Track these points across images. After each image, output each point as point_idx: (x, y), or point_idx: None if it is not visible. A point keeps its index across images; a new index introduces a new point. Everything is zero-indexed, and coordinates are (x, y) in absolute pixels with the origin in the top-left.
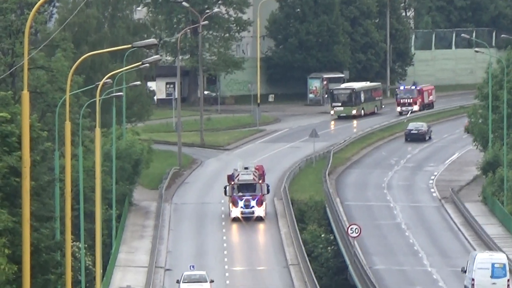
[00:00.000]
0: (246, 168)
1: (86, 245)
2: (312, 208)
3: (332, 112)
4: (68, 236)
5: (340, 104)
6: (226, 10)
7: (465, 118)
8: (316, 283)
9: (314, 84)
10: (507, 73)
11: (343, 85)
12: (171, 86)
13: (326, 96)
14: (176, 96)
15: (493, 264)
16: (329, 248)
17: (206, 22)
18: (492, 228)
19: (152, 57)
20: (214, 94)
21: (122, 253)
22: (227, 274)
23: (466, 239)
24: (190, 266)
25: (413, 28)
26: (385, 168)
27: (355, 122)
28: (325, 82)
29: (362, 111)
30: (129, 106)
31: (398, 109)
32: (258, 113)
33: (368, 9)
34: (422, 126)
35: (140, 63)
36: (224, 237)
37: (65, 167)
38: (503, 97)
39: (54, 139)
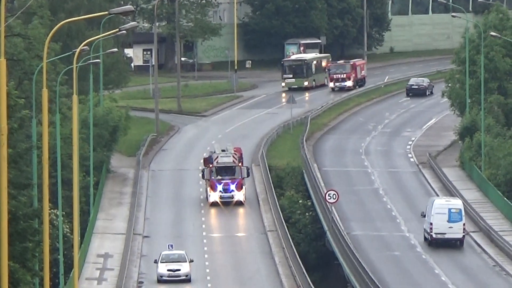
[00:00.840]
0: (223, 151)
1: (64, 213)
2: (290, 174)
3: (283, 84)
4: (46, 203)
5: (291, 75)
6: None
7: (442, 84)
8: (294, 249)
9: (291, 50)
10: (484, 38)
11: (294, 56)
12: (148, 53)
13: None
14: (153, 63)
15: (449, 209)
16: (306, 214)
17: None
18: (469, 193)
19: (129, 24)
20: (191, 61)
21: (100, 220)
22: (205, 241)
23: None
24: (168, 245)
25: None
26: (362, 134)
27: (307, 94)
28: (302, 48)
29: (314, 82)
30: (106, 73)
31: (331, 84)
32: (236, 80)
33: None
34: (423, 81)
35: (117, 30)
36: (202, 204)
37: (43, 134)
38: (480, 62)
39: (31, 107)
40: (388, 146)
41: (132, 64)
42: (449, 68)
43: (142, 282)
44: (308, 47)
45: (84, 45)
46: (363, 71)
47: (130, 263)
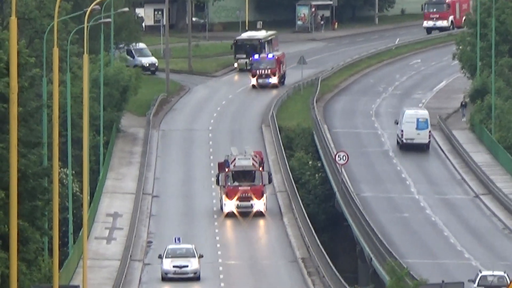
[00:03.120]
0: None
1: (73, 172)
2: (300, 135)
3: (235, 64)
4: (56, 162)
5: (245, 55)
6: None
7: (453, 46)
8: (303, 209)
9: (303, 11)
10: (495, 0)
11: (246, 35)
12: (159, 12)
13: (320, 22)
14: (164, 23)
15: (417, 119)
16: (316, 175)
17: None
18: (479, 156)
19: None
20: (202, 21)
21: (110, 179)
22: (214, 201)
23: (454, 166)
24: (175, 238)
25: None
26: (373, 96)
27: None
28: (313, 9)
29: None
30: (117, 33)
31: (253, 81)
32: None
33: None
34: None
35: None
36: (212, 164)
37: (53, 93)
38: (492, 25)
39: (42, 66)
40: (398, 108)
41: (143, 24)
42: (460, 30)
43: (151, 242)
44: (319, 8)
45: (95, 4)
46: (284, 66)
47: (139, 223)
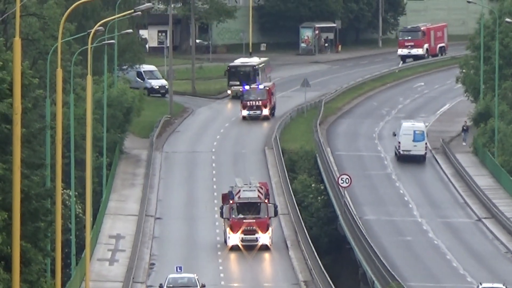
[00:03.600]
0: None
1: (76, 193)
2: (303, 157)
3: (229, 91)
4: (59, 183)
5: (238, 82)
6: None
7: (457, 69)
8: (306, 232)
9: (306, 34)
10: (499, 24)
11: (239, 61)
12: (163, 34)
13: (324, 44)
14: (168, 45)
15: (414, 131)
16: (319, 198)
17: None
18: (482, 179)
19: (144, 5)
20: (206, 43)
21: (113, 201)
22: (217, 223)
23: (457, 190)
24: (176, 268)
25: None
26: (376, 118)
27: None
28: (317, 32)
29: None
30: (121, 54)
31: (244, 113)
32: None
33: None
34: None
35: (132, 10)
36: (214, 186)
37: (56, 114)
38: (495, 48)
39: (45, 87)
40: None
41: (147, 46)
42: (463, 54)
43: (153, 264)
44: (323, 31)
45: (99, 26)
46: (274, 97)
47: (142, 245)
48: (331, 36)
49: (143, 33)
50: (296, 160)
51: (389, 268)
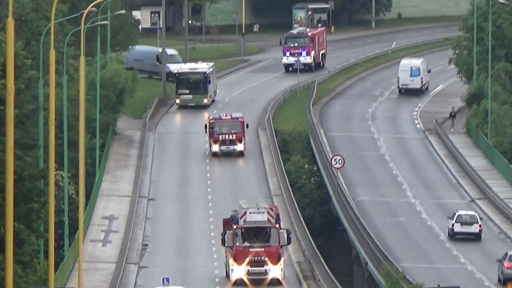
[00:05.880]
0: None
1: (69, 174)
2: (296, 138)
3: (177, 100)
4: (52, 164)
5: (188, 91)
6: None
7: (450, 50)
8: (299, 213)
9: (299, 15)
10: (492, 4)
11: (188, 67)
12: (156, 15)
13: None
14: (161, 26)
15: (411, 67)
16: (312, 179)
17: None
18: (475, 160)
19: None
20: (198, 24)
21: (106, 182)
22: (210, 204)
23: (450, 171)
24: (163, 279)
25: None
26: (369, 100)
27: (206, 115)
28: (310, 12)
29: (211, 99)
30: (114, 35)
31: (215, 148)
32: (243, 43)
33: None
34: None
35: None
36: (208, 167)
37: (49, 95)
38: (488, 29)
39: (38, 68)
40: (394, 112)
41: (140, 27)
42: (456, 35)
43: (147, 245)
44: (316, 12)
45: (92, 7)
46: (247, 129)
47: (135, 226)
48: (324, 17)
49: (136, 14)
50: (289, 141)
51: (382, 249)
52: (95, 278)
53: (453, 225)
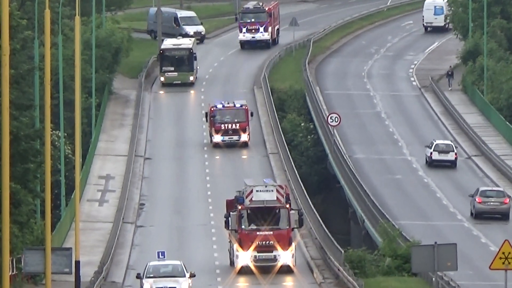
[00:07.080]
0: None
1: (65, 134)
2: (292, 97)
3: (162, 78)
4: (48, 124)
5: (173, 68)
6: None
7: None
8: (296, 171)
9: None
10: None
11: (171, 43)
12: None
13: None
14: None
15: (435, 6)
16: (308, 137)
17: None
18: (471, 117)
19: None
20: None
21: (102, 141)
22: (206, 163)
23: (446, 127)
24: (158, 253)
25: None
26: (365, 57)
27: (192, 92)
28: None
29: (195, 76)
30: None
31: (216, 138)
32: (238, 2)
33: None
34: None
35: None
36: (204, 126)
37: (45, 55)
38: None
39: (33, 28)
40: (390, 69)
41: None
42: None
43: (143, 204)
44: None
45: None
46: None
47: (131, 185)
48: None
49: None
50: (285, 99)
51: (379, 207)
52: (92, 238)
53: (431, 153)
